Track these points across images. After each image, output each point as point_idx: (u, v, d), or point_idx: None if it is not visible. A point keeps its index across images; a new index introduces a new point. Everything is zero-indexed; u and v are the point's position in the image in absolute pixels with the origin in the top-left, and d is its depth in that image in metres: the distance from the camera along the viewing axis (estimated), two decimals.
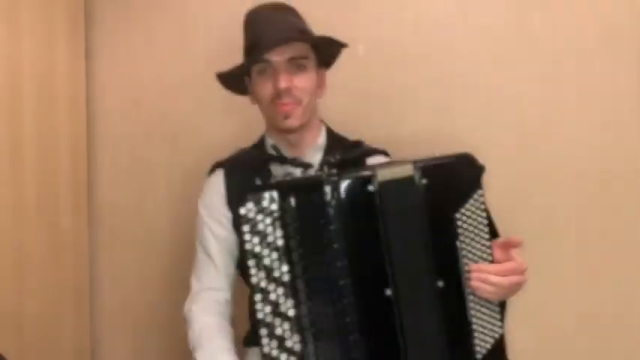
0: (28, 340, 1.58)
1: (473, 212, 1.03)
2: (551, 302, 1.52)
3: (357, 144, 1.29)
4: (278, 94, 1.17)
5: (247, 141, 1.35)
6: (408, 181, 1.02)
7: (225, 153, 1.31)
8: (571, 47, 1.53)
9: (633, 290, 1.52)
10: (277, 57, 1.16)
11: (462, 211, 1.03)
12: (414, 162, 1.03)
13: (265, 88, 1.19)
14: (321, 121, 1.32)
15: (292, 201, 1.02)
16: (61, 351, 1.70)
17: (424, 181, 1.02)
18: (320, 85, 1.27)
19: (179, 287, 1.78)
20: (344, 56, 1.30)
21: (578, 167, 1.53)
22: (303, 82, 1.19)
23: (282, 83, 1.16)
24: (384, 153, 1.34)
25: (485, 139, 1.56)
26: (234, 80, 1.28)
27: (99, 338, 1.86)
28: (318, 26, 1.25)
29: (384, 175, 1.02)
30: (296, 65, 1.18)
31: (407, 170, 1.02)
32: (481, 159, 1.06)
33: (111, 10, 1.82)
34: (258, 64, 1.19)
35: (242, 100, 1.70)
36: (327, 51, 1.27)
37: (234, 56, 1.24)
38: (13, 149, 1.54)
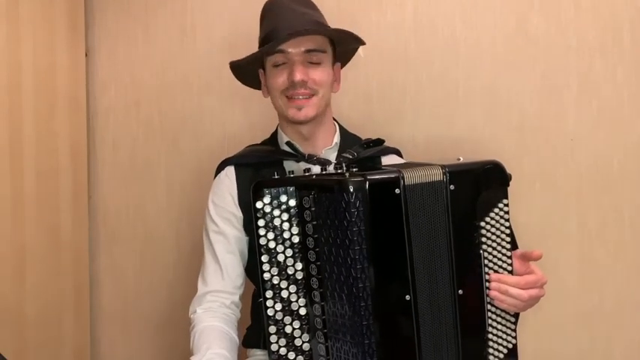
0: (28, 340, 1.58)
1: (497, 221, 1.02)
2: (551, 302, 1.51)
3: (376, 142, 1.27)
4: (292, 86, 1.14)
5: (247, 141, 1.35)
6: (435, 185, 0.99)
7: (225, 153, 1.30)
8: (571, 47, 1.53)
9: (633, 290, 1.51)
10: (293, 48, 1.13)
11: (487, 219, 1.01)
12: (442, 166, 1.00)
13: (279, 80, 1.16)
14: (335, 120, 1.30)
15: (313, 199, 0.99)
16: (61, 351, 1.70)
17: (452, 186, 0.99)
18: (336, 79, 1.24)
19: (179, 287, 1.79)
20: None
21: (578, 167, 1.53)
22: (318, 75, 1.15)
23: (298, 75, 1.12)
24: (397, 152, 1.33)
25: (486, 139, 1.56)
26: (248, 73, 1.25)
27: (99, 338, 1.86)
28: None
29: (411, 177, 0.98)
30: (312, 58, 1.15)
31: (436, 175, 0.99)
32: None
33: (111, 10, 1.82)
34: (273, 55, 1.16)
35: (242, 101, 1.71)
36: (343, 47, 1.24)
37: (234, 56, 1.24)
38: (13, 149, 1.54)
